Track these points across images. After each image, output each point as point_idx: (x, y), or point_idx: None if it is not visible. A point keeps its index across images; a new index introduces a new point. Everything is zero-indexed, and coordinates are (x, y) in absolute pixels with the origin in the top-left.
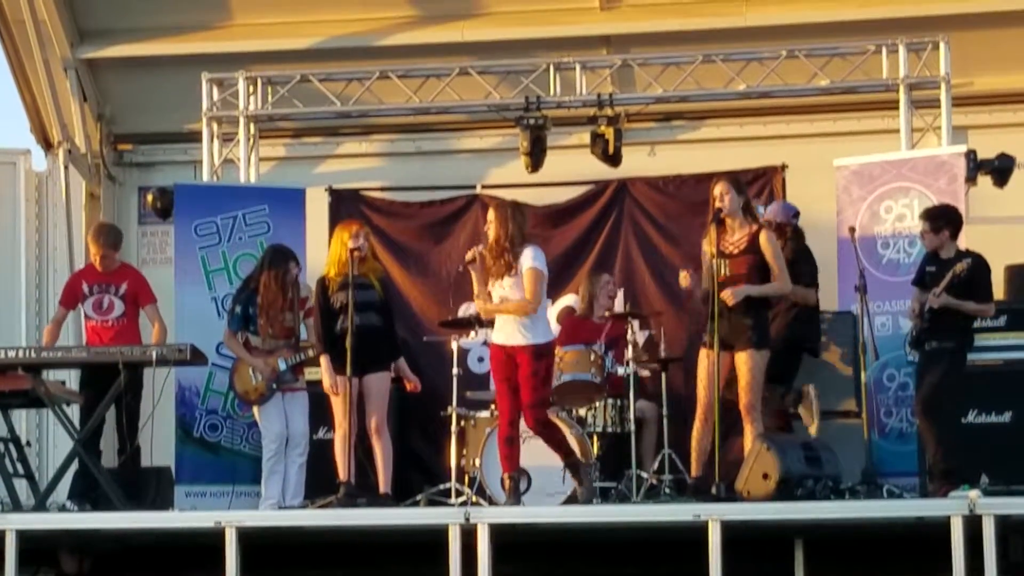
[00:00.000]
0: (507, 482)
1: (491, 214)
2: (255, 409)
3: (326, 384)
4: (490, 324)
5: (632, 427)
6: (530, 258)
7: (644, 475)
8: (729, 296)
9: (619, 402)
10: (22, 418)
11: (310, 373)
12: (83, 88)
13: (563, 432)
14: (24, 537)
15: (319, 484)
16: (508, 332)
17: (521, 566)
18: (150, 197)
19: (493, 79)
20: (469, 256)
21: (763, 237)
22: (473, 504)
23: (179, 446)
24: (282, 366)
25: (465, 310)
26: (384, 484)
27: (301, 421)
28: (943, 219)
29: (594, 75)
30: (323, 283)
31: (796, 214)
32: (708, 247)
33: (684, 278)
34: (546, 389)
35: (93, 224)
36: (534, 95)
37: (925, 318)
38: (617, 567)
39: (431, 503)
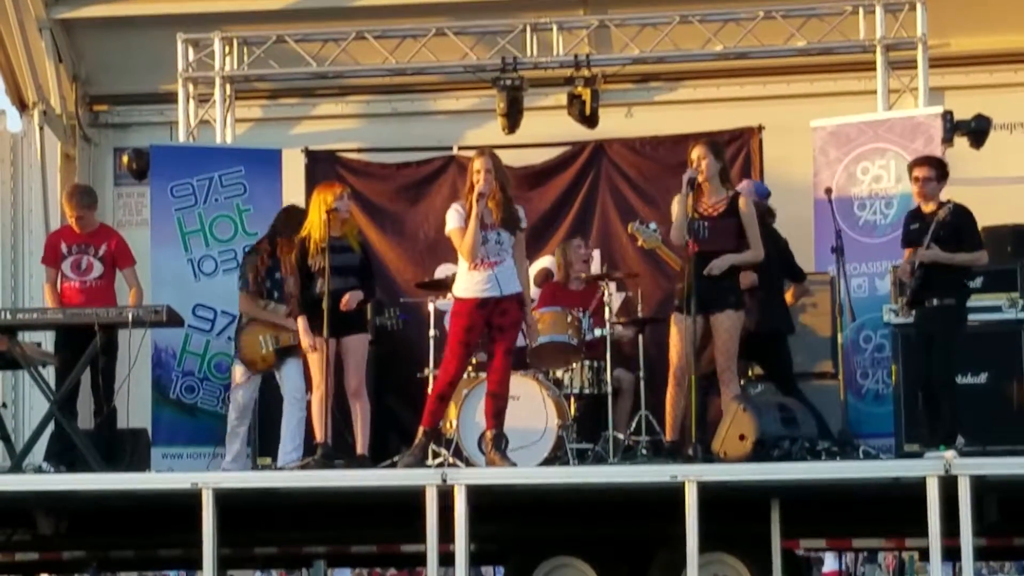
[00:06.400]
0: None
1: (486, 162)
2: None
3: (304, 344)
4: None
5: (609, 389)
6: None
7: (620, 437)
8: (715, 269)
9: (596, 364)
10: None
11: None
12: (58, 49)
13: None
14: (0, 498)
15: None
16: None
17: (498, 527)
18: (126, 158)
19: (470, 40)
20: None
21: (742, 201)
22: (450, 465)
23: (155, 408)
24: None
25: (442, 272)
26: (361, 445)
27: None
28: (942, 168)
29: (571, 36)
30: (303, 244)
31: (767, 195)
32: (678, 208)
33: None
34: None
35: (68, 185)
36: (511, 56)
37: (917, 275)
38: (594, 528)
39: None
